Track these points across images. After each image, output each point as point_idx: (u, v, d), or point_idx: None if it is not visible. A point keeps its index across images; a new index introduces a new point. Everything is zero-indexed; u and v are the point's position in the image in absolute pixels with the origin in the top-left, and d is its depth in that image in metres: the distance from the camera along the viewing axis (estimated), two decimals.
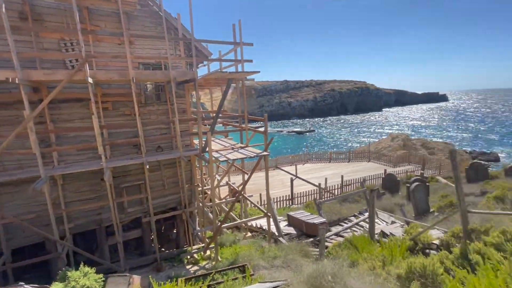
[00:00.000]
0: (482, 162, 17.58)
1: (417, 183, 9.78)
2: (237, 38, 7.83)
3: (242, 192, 8.90)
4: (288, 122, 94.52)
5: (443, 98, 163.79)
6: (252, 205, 10.37)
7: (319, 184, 15.19)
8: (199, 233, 8.46)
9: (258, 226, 10.07)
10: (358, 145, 49.16)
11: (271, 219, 8.30)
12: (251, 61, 7.96)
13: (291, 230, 8.94)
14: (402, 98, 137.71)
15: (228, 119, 11.93)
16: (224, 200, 10.64)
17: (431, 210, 9.42)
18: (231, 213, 10.39)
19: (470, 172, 14.42)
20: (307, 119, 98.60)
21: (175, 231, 9.66)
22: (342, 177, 16.61)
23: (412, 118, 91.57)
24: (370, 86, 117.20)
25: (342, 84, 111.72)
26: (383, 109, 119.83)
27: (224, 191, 14.12)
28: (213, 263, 6.95)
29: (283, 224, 9.88)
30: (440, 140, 42.77)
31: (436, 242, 5.10)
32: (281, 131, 74.20)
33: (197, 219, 9.29)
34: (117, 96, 7.41)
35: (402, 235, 6.30)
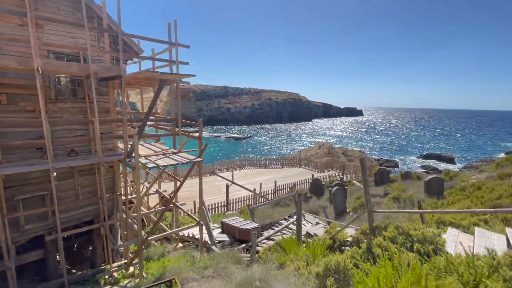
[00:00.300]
0: (386, 168, 21.11)
1: (337, 187, 11.04)
2: (173, 38, 7.48)
3: (174, 200, 8.40)
4: (226, 127, 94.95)
5: (360, 113, 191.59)
6: (185, 213, 9.88)
7: (254, 189, 15.61)
8: (120, 248, 7.56)
9: (191, 235, 9.65)
10: (291, 152, 52.86)
11: (204, 227, 8.05)
12: (186, 63, 7.69)
13: (225, 237, 8.86)
14: (328, 111, 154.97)
15: (162, 122, 11.18)
16: (153, 210, 9.84)
17: (348, 210, 10.75)
18: (160, 223, 9.67)
19: (377, 177, 17.12)
20: (245, 125, 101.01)
21: (91, 248, 8.40)
22: (275, 182, 17.47)
23: (336, 129, 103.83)
24: (302, 98, 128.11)
25: (278, 94, 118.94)
26: (313, 120, 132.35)
27: (154, 200, 13.10)
28: (137, 280, 6.28)
29: (217, 232, 9.72)
30: (356, 149, 49.63)
31: (350, 239, 5.80)
32: (219, 137, 73.94)
33: (120, 232, 8.31)
34: (16, 88, 6.08)
35: (324, 234, 6.95)
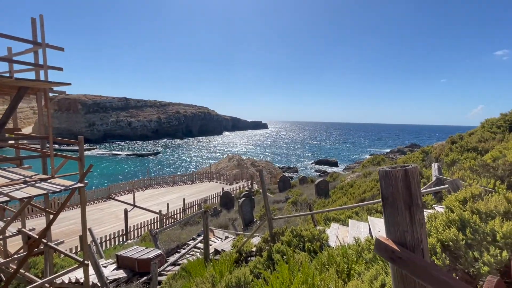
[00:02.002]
0: (287, 174, 23.51)
1: (244, 198, 11.40)
2: (39, 37, 6.07)
3: (46, 240, 6.57)
4: (128, 144, 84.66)
5: (265, 126, 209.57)
6: (62, 254, 7.86)
7: (160, 211, 14.25)
8: None
9: (74, 280, 7.75)
10: (202, 166, 51.86)
11: (91, 267, 6.61)
12: (60, 69, 6.35)
13: (121, 274, 7.55)
14: (237, 124, 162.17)
15: (28, 142, 8.73)
16: (12, 258, 7.41)
17: (255, 219, 11.20)
18: (27, 273, 7.36)
19: (280, 184, 18.81)
20: (151, 141, 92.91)
21: None
22: (184, 200, 16.53)
23: (244, 141, 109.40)
24: (211, 112, 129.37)
25: (187, 107, 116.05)
26: (223, 133, 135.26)
27: (17, 244, 9.98)
28: None
29: (111, 269, 8.19)
30: (263, 159, 53.54)
31: (254, 249, 5.96)
32: (119, 154, 65.00)
33: None
34: None
35: (231, 249, 6.92)
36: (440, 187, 3.70)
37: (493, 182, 3.59)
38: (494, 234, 2.13)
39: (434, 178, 4.77)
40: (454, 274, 2.30)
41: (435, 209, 3.95)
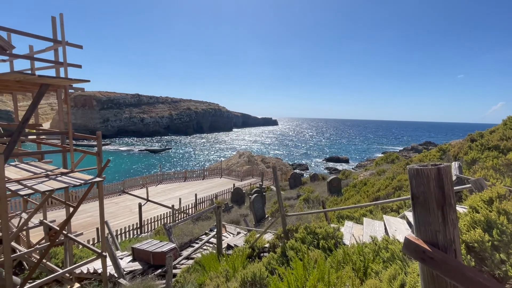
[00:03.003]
0: (298, 171, 23.39)
1: (255, 194, 11.44)
2: (59, 35, 6.25)
3: (66, 231, 6.85)
4: (141, 139, 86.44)
5: (275, 122, 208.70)
6: (81, 246, 8.17)
7: (172, 205, 14.52)
8: None
9: (92, 271, 8.05)
10: (213, 162, 52.35)
11: (108, 258, 6.85)
12: (79, 66, 6.53)
13: (137, 266, 7.77)
14: (247, 121, 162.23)
15: (48, 136, 9.06)
16: (34, 248, 7.76)
17: (267, 216, 11.24)
18: (48, 262, 7.70)
19: (291, 181, 18.75)
20: (163, 136, 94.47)
21: None
22: (195, 195, 16.77)
23: (255, 138, 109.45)
24: (222, 108, 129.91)
25: (197, 104, 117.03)
26: (233, 129, 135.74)
27: (39, 234, 10.44)
28: None
29: (127, 260, 8.45)
30: (273, 156, 53.46)
31: (267, 245, 5.99)
32: (132, 150, 66.55)
33: None
34: None
35: (244, 244, 6.98)
36: (462, 186, 3.59)
37: None
38: None
39: (454, 177, 4.63)
40: None
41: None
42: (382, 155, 25.43)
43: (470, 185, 3.08)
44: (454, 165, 4.94)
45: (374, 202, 5.82)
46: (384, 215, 5.48)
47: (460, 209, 3.75)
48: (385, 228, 4.71)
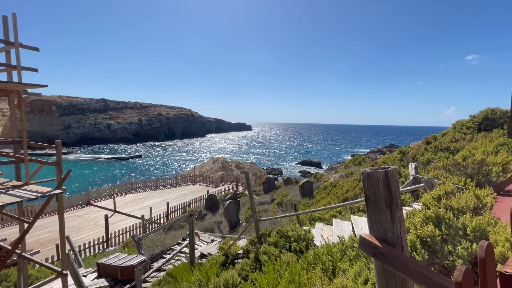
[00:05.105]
0: (272, 176, 23.67)
1: (230, 200, 11.36)
2: (11, 37, 5.77)
3: (19, 250, 6.21)
4: (109, 146, 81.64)
5: (249, 127, 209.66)
6: (37, 264, 7.46)
7: (142, 216, 13.86)
8: None
9: None
10: (186, 169, 50.99)
11: (70, 277, 6.32)
12: (36, 70, 6.06)
13: (102, 282, 7.27)
14: (221, 126, 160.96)
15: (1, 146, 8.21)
16: None
17: (241, 221, 11.20)
18: None
19: (265, 185, 18.92)
20: (133, 144, 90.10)
21: None
22: (167, 204, 16.19)
23: (229, 143, 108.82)
24: (195, 114, 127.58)
25: (169, 109, 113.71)
26: (207, 135, 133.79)
27: None
28: None
29: (91, 278, 7.87)
30: (248, 161, 53.53)
31: (241, 251, 5.97)
32: (98, 158, 62.55)
33: None
34: None
35: (217, 252, 6.88)
36: (417, 185, 3.92)
37: (464, 179, 3.85)
38: (465, 228, 2.30)
39: (411, 177, 5.03)
40: (432, 268, 2.45)
41: (412, 206, 4.17)
42: (351, 157, 26.71)
43: (423, 184, 3.37)
44: (411, 166, 5.38)
45: (342, 203, 6.09)
46: (352, 215, 5.76)
47: (416, 206, 4.08)
48: (353, 228, 4.96)
